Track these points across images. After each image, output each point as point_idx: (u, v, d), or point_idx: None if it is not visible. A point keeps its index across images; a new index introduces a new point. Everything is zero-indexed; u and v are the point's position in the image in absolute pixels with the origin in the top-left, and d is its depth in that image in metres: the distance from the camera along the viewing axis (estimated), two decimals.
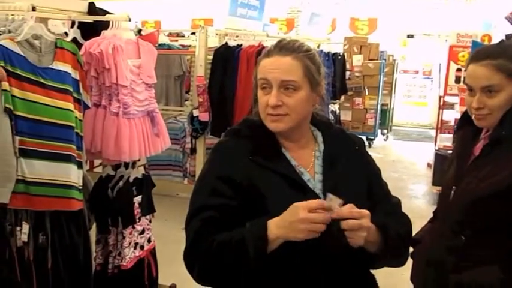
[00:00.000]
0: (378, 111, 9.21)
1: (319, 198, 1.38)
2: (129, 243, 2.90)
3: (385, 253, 1.37)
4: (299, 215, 1.22)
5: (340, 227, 1.25)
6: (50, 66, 2.40)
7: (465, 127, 1.79)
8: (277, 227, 1.26)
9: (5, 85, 2.21)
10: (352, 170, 1.47)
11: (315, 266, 1.34)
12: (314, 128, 1.54)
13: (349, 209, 1.27)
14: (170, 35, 6.58)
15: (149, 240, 3.09)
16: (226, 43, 4.82)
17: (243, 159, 1.39)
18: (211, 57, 4.78)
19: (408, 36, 12.18)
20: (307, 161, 1.46)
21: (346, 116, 8.84)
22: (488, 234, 1.59)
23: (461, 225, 1.64)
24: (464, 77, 1.75)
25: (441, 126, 6.63)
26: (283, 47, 1.41)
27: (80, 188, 2.53)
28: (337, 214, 1.25)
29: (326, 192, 1.39)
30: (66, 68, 2.46)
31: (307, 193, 1.37)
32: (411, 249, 1.69)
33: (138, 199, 2.96)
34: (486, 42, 5.85)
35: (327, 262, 1.34)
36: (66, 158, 2.43)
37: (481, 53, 1.67)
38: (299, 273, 1.33)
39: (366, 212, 1.29)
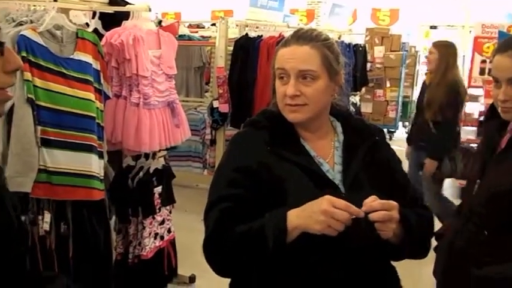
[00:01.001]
0: (399, 104, 9.08)
1: (339, 189, 1.36)
2: (149, 234, 2.92)
3: (407, 245, 1.35)
4: (322, 206, 1.20)
5: (368, 220, 1.23)
6: (71, 57, 2.41)
7: (492, 120, 1.74)
8: (297, 217, 1.25)
9: (27, 75, 2.23)
10: (373, 161, 1.44)
11: (336, 259, 1.32)
12: (333, 118, 1.52)
13: (374, 200, 1.24)
14: (190, 26, 6.58)
15: (169, 231, 3.11)
16: (247, 34, 4.79)
17: (262, 150, 1.38)
18: (231, 48, 4.76)
19: (431, 28, 11.96)
20: (327, 151, 1.45)
21: (367, 108, 8.73)
22: (511, 230, 1.55)
23: (483, 219, 1.61)
24: (489, 69, 1.71)
25: (464, 119, 6.49)
26: (301, 36, 1.39)
27: (101, 178, 2.55)
28: (368, 206, 1.23)
29: (346, 183, 1.37)
30: (87, 58, 2.47)
31: (326, 184, 1.35)
32: (434, 243, 1.66)
33: (158, 190, 2.98)
34: None
35: (348, 255, 1.32)
36: (87, 148, 2.45)
37: (507, 43, 1.62)
38: (318, 267, 1.32)
39: (395, 203, 1.26)
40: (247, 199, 1.33)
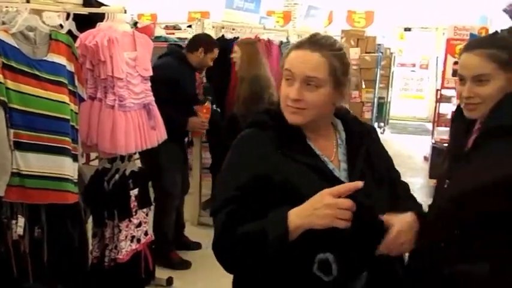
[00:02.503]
0: (375, 105, 9.19)
1: None
2: (126, 237, 2.90)
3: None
4: (324, 201, 1.23)
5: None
6: (44, 58, 2.39)
7: (459, 120, 1.78)
8: (298, 216, 1.26)
9: None
10: (373, 156, 1.50)
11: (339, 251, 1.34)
12: (333, 116, 1.54)
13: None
14: (166, 27, 6.54)
15: (146, 234, 3.09)
16: (223, 36, 4.80)
17: (269, 150, 1.39)
18: None
19: (405, 30, 12.16)
20: (330, 150, 1.47)
21: None
22: (480, 230, 1.58)
23: (452, 219, 1.63)
24: None
25: (438, 120, 6.62)
26: (315, 42, 1.40)
27: (75, 181, 2.52)
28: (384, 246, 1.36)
29: (353, 180, 1.39)
30: (61, 60, 2.45)
31: (335, 182, 1.36)
32: None
33: (134, 192, 2.96)
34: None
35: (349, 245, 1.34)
36: (61, 151, 2.43)
37: (474, 42, 1.65)
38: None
39: (394, 228, 1.37)
40: (254, 200, 1.34)
